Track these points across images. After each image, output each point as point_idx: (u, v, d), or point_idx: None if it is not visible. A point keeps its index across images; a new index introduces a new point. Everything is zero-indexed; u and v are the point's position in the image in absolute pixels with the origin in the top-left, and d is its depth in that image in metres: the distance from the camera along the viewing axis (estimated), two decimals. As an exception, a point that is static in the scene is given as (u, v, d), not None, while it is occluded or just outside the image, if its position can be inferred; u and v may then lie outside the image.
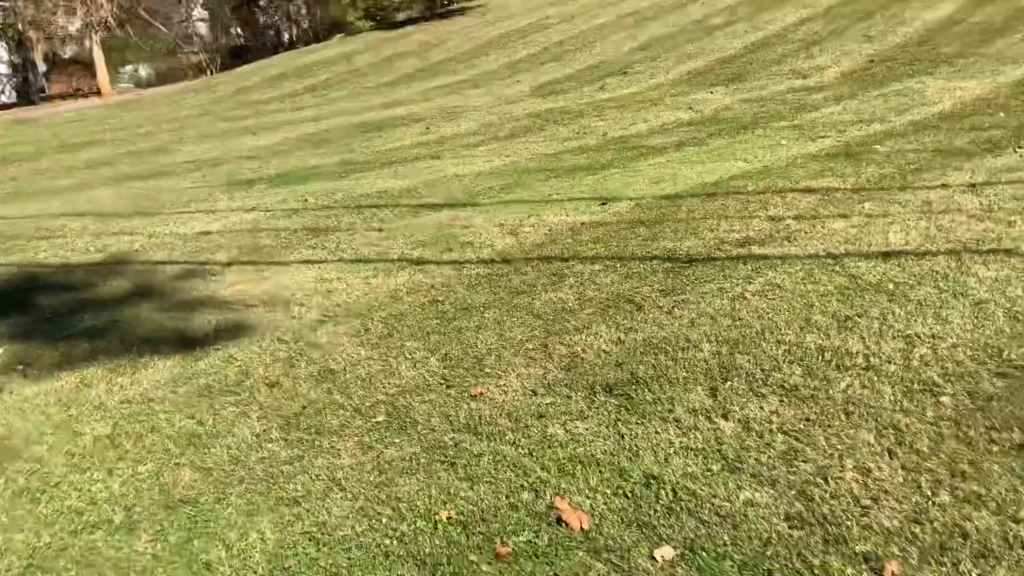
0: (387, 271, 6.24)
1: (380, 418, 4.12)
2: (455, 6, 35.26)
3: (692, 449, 3.51)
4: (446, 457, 3.69)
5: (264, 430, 4.12)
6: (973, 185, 6.42)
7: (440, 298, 5.56)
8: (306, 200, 9.00)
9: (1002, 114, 9.36)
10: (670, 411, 3.81)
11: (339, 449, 3.88)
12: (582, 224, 6.79)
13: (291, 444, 3.97)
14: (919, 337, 4.14)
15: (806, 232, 5.90)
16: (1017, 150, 7.40)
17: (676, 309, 4.86)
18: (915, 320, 4.31)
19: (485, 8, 31.73)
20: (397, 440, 3.90)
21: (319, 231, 7.59)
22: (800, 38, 16.72)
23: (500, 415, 3.99)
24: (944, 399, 3.58)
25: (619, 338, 4.61)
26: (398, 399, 4.29)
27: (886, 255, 5.22)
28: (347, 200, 8.82)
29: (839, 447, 3.37)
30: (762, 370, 4.05)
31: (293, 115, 18.55)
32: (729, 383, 3.98)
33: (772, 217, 6.34)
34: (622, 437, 3.66)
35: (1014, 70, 11.92)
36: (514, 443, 3.73)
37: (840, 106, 11.35)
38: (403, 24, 32.90)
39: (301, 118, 17.68)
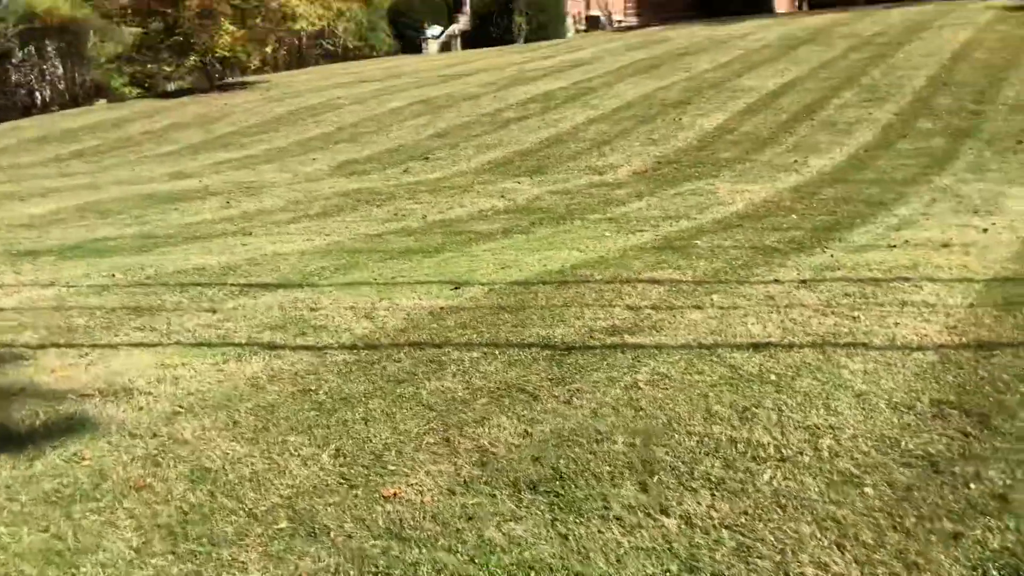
0: (238, 356, 5.68)
1: (283, 524, 3.66)
2: (233, 79, 34.29)
3: (643, 549, 3.38)
4: (378, 568, 3.31)
5: (144, 542, 3.52)
6: (804, 281, 6.92)
7: (311, 387, 5.12)
8: (113, 275, 8.11)
9: (794, 216, 10.29)
10: (606, 508, 3.67)
11: (243, 562, 3.38)
12: (441, 309, 6.59)
13: (182, 558, 3.41)
14: (819, 428, 4.31)
15: (669, 322, 6.05)
16: (824, 250, 8.10)
17: (574, 399, 4.77)
18: (809, 411, 4.49)
19: (269, 84, 31.08)
20: (311, 549, 3.46)
21: (142, 310, 6.83)
22: (591, 137, 17.68)
23: (424, 518, 3.66)
24: (867, 490, 3.71)
25: (525, 430, 4.43)
26: (297, 502, 3.84)
27: (755, 346, 5.44)
28: (162, 277, 8.05)
29: (787, 542, 3.37)
30: (683, 463, 4.03)
31: (64, 181, 16.93)
32: (656, 477, 3.91)
33: (630, 307, 6.47)
34: (565, 539, 3.47)
35: (787, 177, 13.21)
36: (450, 549, 3.42)
37: (644, 202, 11.98)
38: (176, 94, 31.38)
39: (74, 185, 16.17)
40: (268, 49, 30.11)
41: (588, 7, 47.54)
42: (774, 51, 25.18)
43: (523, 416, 4.59)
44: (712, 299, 6.63)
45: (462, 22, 46.83)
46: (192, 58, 30.83)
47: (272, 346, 5.89)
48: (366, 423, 4.59)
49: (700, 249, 8.53)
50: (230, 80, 33.59)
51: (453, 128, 19.83)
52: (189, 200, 13.52)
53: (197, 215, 12.18)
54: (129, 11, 28.75)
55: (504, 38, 42.00)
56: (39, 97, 39.54)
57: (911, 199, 10.93)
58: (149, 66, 41.64)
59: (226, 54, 28.69)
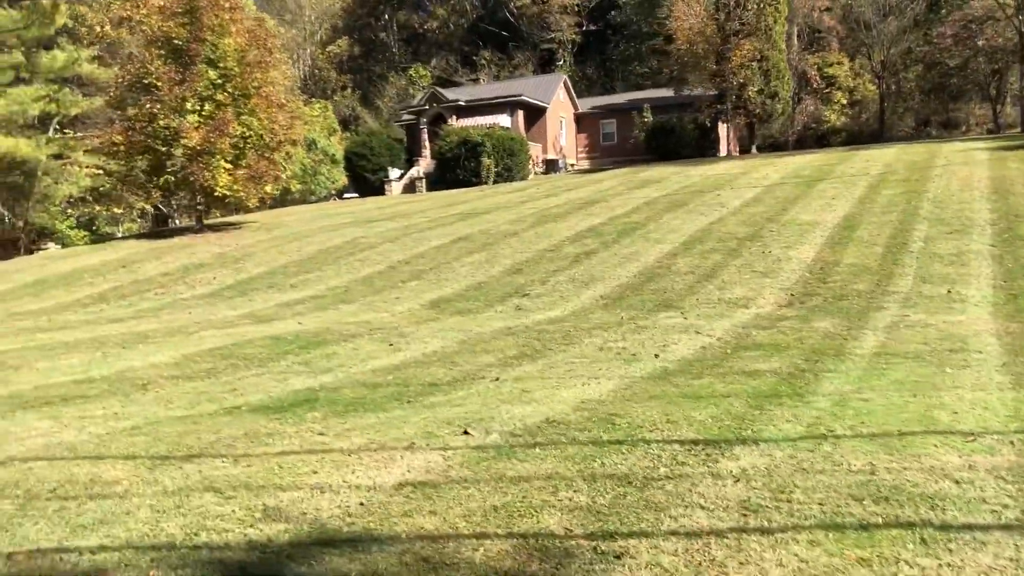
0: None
1: None
2: (215, 220, 32.82)
3: None
4: None
5: None
6: None
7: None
8: (467, 431, 6.84)
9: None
10: None
11: None
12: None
13: None
14: None
15: None
16: None
17: None
18: None
19: (258, 224, 29.87)
20: None
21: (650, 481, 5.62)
22: (683, 269, 17.33)
23: None
24: None
25: None
26: None
27: None
28: (535, 432, 6.81)
29: None
30: None
31: (125, 327, 15.16)
32: None
33: None
34: None
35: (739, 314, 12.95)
36: None
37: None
38: (159, 235, 29.77)
39: (148, 329, 14.49)
40: (268, 188, 28.97)
41: (545, 151, 48.59)
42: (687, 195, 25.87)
43: None
44: None
45: (423, 165, 47.01)
46: (181, 195, 29.34)
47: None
48: None
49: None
50: (214, 220, 32.09)
51: (523, 264, 19.10)
52: (330, 344, 12.14)
53: (377, 358, 10.86)
54: (121, 148, 27.17)
55: (472, 180, 42.18)
56: None
57: None
58: (110, 209, 39.91)
59: (226, 192, 27.35)
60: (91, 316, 17.36)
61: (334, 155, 48.89)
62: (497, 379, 8.98)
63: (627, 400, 7.53)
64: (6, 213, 36.40)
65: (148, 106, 26.55)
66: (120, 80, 27.85)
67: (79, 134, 40.61)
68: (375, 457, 5.89)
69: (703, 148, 47.11)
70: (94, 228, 43.79)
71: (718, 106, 45.32)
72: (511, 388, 8.40)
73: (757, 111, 45.33)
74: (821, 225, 20.12)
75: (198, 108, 26.99)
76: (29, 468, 6.01)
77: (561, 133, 50.47)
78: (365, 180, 48.03)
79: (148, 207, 46.14)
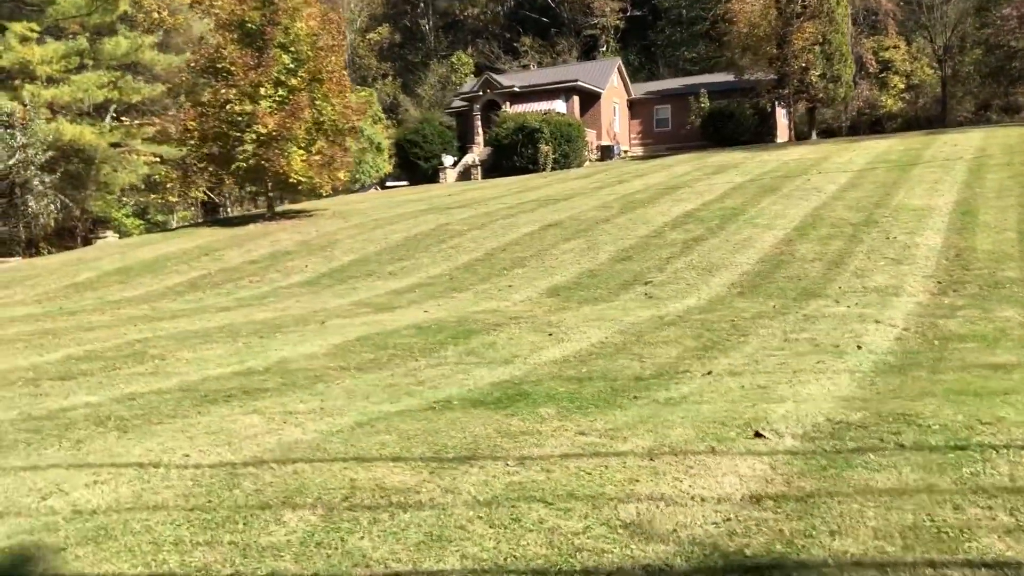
0: None
1: None
2: (283, 208, 32.34)
3: None
4: None
5: None
6: None
7: None
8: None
9: None
10: None
11: None
12: None
13: None
14: None
15: None
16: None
17: None
18: None
19: (329, 211, 29.35)
20: None
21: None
22: (807, 256, 16.59)
23: None
24: None
25: None
26: None
27: None
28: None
29: None
30: None
31: (234, 316, 14.66)
32: None
33: None
34: None
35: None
36: None
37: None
38: (229, 223, 29.39)
39: (268, 319, 13.98)
40: (341, 175, 28.46)
41: (599, 137, 47.79)
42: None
43: None
44: None
45: (476, 152, 46.40)
46: (251, 183, 28.89)
47: None
48: None
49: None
50: (284, 208, 31.57)
51: (628, 251, 18.44)
52: (479, 333, 11.55)
53: (545, 348, 10.24)
54: (195, 134, 26.72)
55: (528, 167, 41.50)
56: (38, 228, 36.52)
57: None
58: (165, 197, 39.63)
59: (301, 179, 26.84)
60: (193, 304, 16.90)
61: (379, 143, 48.31)
62: (709, 373, 8.33)
63: (893, 397, 6.87)
64: (67, 201, 36.05)
65: (224, 91, 26.04)
66: (192, 65, 27.37)
67: (136, 122, 40.30)
68: (682, 463, 5.27)
69: (760, 134, 46.13)
70: (147, 217, 43.53)
71: (780, 91, 44.32)
72: (737, 383, 7.75)
73: (820, 96, 44.31)
74: (936, 211, 19.29)
75: (272, 93, 26.47)
76: (293, 471, 5.44)
77: (614, 119, 49.66)
78: (417, 167, 47.43)
79: (200, 196, 45.95)
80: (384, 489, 4.99)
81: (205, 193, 45.87)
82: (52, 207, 33.00)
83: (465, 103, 48.89)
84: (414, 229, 23.71)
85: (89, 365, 10.32)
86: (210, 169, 28.17)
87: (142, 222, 42.96)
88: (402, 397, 7.79)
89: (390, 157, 49.59)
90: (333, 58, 27.25)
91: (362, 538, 4.31)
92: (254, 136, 26.35)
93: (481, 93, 47.17)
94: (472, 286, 16.79)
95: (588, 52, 70.52)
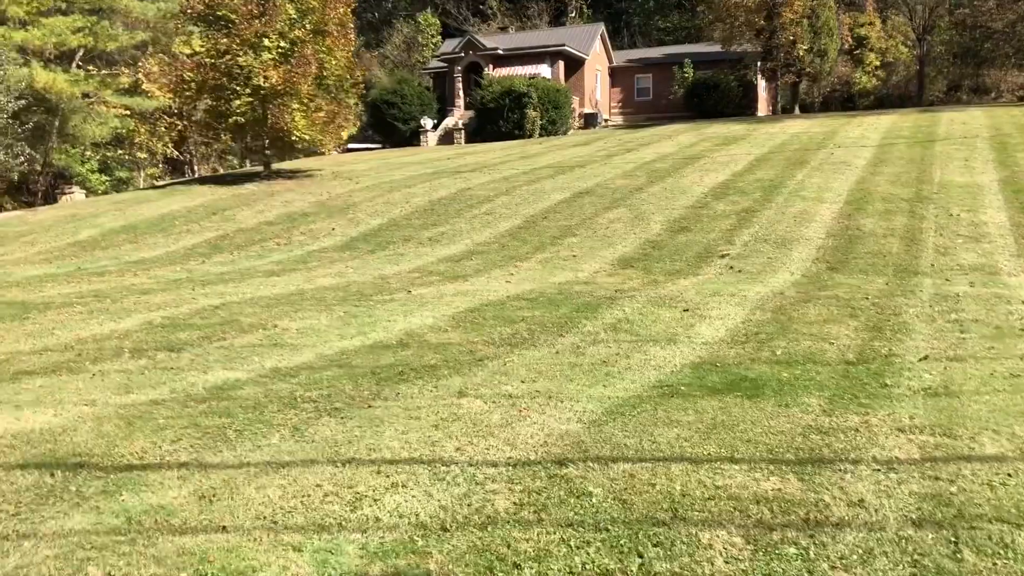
0: None
1: None
2: (279, 167, 30.78)
3: None
4: None
5: None
6: None
7: None
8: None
9: None
10: None
11: None
12: None
13: None
14: None
15: None
16: None
17: None
18: None
19: (328, 172, 27.95)
20: None
21: None
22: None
23: None
24: None
25: None
26: None
27: None
28: None
29: None
30: None
31: (289, 281, 13.58)
32: None
33: None
34: None
35: None
36: None
37: None
38: (227, 181, 27.88)
39: (323, 287, 12.93)
40: (344, 134, 27.08)
41: (582, 104, 46.91)
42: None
43: None
44: None
45: (457, 115, 45.13)
46: (247, 142, 27.35)
47: None
48: None
49: None
50: (278, 166, 29.94)
51: (680, 221, 17.79)
52: (601, 307, 10.76)
53: (694, 326, 9.50)
54: (191, 85, 25.06)
55: (514, 133, 40.48)
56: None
57: None
58: (132, 154, 37.60)
59: (304, 137, 25.44)
60: (229, 267, 15.72)
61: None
62: (925, 358, 7.68)
63: None
64: (34, 154, 33.73)
65: (226, 40, 24.42)
66: (188, 11, 25.58)
67: (103, 72, 37.95)
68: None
69: (742, 107, 45.80)
70: (110, 173, 41.26)
71: (767, 63, 44.01)
72: (988, 371, 7.09)
73: (807, 70, 44.15)
74: (985, 188, 19.03)
75: (275, 45, 24.92)
76: (625, 473, 4.59)
77: (596, 87, 48.80)
78: (394, 129, 45.90)
79: (168, 152, 43.79)
80: (769, 501, 4.19)
81: (172, 150, 43.76)
82: (21, 158, 30.82)
83: (444, 64, 47.47)
84: (434, 193, 22.63)
85: (186, 334, 9.24)
86: (206, 123, 26.49)
87: (107, 178, 40.71)
88: (608, 379, 6.97)
89: (357, 118, 47.90)
90: (341, 8, 25.75)
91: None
92: (254, 90, 24.82)
93: (463, 54, 45.81)
94: (530, 255, 15.93)
95: (558, 17, 69.27)
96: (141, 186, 41.17)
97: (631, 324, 9.53)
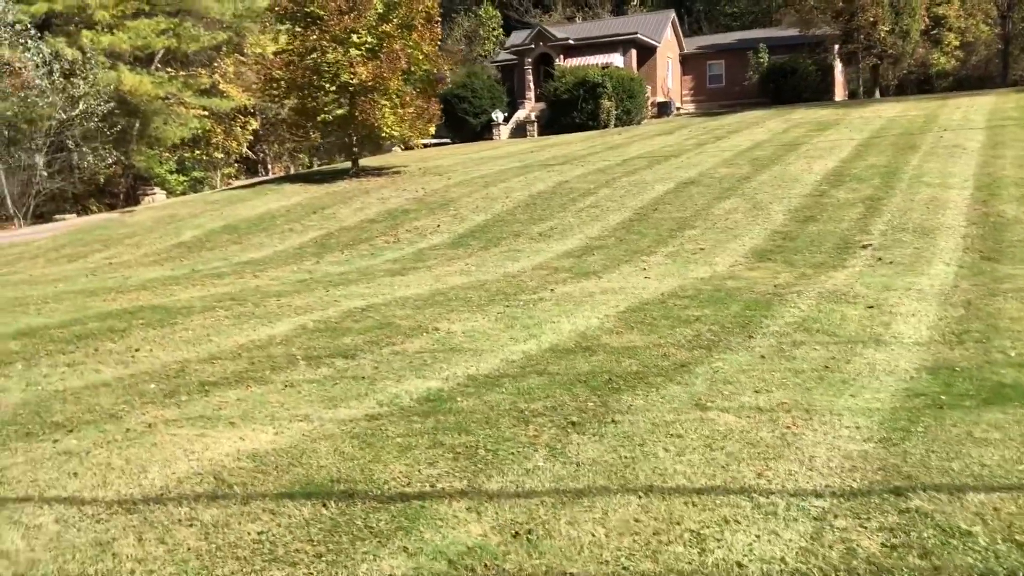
0: None
1: None
2: (363, 165, 30.59)
3: None
4: None
5: None
6: None
7: None
8: None
9: None
10: None
11: None
12: None
13: None
14: None
15: None
16: None
17: None
18: None
19: (414, 169, 27.63)
20: None
21: None
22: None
23: None
24: None
25: None
26: None
27: None
28: None
29: None
30: None
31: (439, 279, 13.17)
32: None
33: None
34: None
35: None
36: None
37: None
38: (309, 179, 27.67)
39: (469, 284, 12.49)
40: (431, 130, 26.77)
41: (654, 93, 46.02)
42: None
43: None
44: None
45: (528, 108, 44.60)
46: (334, 139, 27.15)
47: None
48: None
49: None
50: (364, 163, 29.68)
51: (802, 211, 17.04)
52: (773, 305, 10.14)
53: (892, 326, 8.84)
54: (281, 84, 24.90)
55: (588, 124, 39.82)
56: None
57: None
58: (210, 154, 37.78)
59: (393, 133, 25.14)
60: (346, 267, 15.44)
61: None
62: None
63: None
64: (119, 156, 34.04)
65: (315, 37, 24.20)
66: (276, 8, 25.41)
67: (182, 73, 38.21)
68: None
69: (819, 92, 44.48)
70: (186, 174, 41.58)
71: (847, 46, 42.68)
72: None
73: (889, 51, 42.73)
74: None
75: (363, 41, 24.63)
76: None
77: (668, 75, 47.87)
78: (464, 124, 45.46)
79: (242, 151, 44.03)
80: None
81: (246, 149, 44.00)
82: (110, 160, 31.09)
83: (514, 56, 46.96)
84: (532, 187, 22.14)
85: (349, 339, 8.87)
86: (293, 121, 26.35)
87: (185, 179, 41.04)
88: (848, 388, 6.38)
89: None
90: (429, 2, 25.37)
91: None
92: (342, 86, 24.60)
93: (533, 46, 45.23)
94: (652, 249, 15.34)
95: (620, 6, 68.29)
96: (217, 186, 41.41)
97: (819, 323, 8.91)
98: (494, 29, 66.81)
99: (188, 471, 4.93)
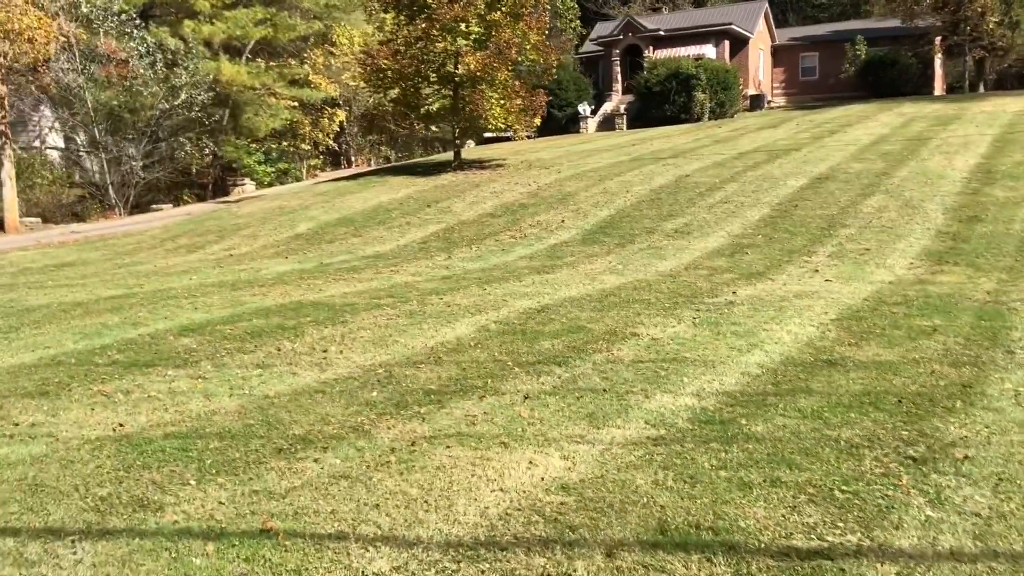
0: None
1: None
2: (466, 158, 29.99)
3: None
4: None
5: None
6: None
7: None
8: None
9: None
10: None
11: None
12: None
13: None
14: None
15: None
16: None
17: None
18: None
19: (513, 163, 26.91)
20: None
21: None
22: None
23: None
24: None
25: None
26: None
27: None
28: None
29: None
30: None
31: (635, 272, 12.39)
32: None
33: None
34: None
35: None
36: None
37: None
38: (410, 172, 27.17)
39: (660, 272, 11.69)
40: (536, 122, 26.07)
41: (746, 85, 44.61)
42: None
43: None
44: None
45: (615, 100, 43.64)
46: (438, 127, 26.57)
47: None
48: None
49: None
50: (465, 156, 29.07)
51: (962, 209, 15.89)
52: (1010, 316, 9.16)
53: None
54: (388, 74, 24.37)
55: (680, 117, 38.72)
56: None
57: None
58: (298, 145, 37.59)
59: (500, 125, 24.45)
60: (483, 263, 14.82)
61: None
62: None
63: None
64: (213, 147, 34.01)
65: (424, 26, 23.61)
66: (383, -1, 24.92)
67: (272, 63, 38.08)
68: None
69: (919, 85, 42.65)
70: (271, 164, 41.51)
71: (954, 38, 40.82)
72: None
73: (998, 43, 40.76)
74: None
75: (470, 31, 23.96)
76: None
77: (759, 67, 46.41)
78: (550, 116, 44.55)
79: (329, 143, 43.86)
80: None
81: (331, 141, 43.82)
82: (207, 151, 31.02)
83: (600, 48, 46.02)
84: (651, 182, 21.25)
85: (547, 343, 8.19)
86: (398, 111, 25.83)
87: (272, 170, 40.99)
88: None
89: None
90: (540, -10, 24.65)
91: None
92: (448, 76, 24.00)
93: (621, 37, 44.24)
94: (810, 249, 14.37)
95: (702, -3, 66.75)
96: (302, 177, 41.29)
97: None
98: (571, 21, 65.83)
99: (502, 505, 4.24)
